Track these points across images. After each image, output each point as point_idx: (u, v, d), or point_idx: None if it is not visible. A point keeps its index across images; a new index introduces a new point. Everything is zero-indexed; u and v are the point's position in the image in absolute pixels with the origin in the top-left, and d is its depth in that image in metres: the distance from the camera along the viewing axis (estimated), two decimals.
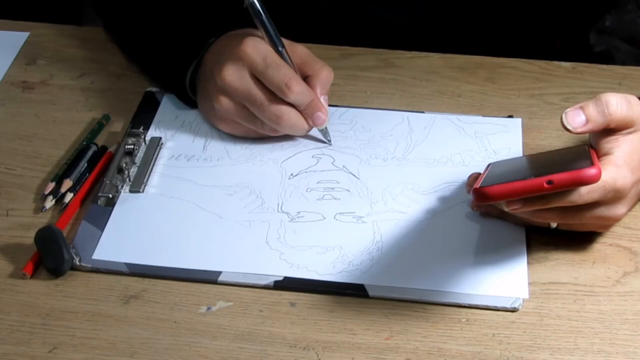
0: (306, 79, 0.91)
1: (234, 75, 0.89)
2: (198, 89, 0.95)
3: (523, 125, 0.96)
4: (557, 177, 0.72)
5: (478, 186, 0.75)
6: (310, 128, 0.93)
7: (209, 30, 0.96)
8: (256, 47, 0.89)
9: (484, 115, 0.97)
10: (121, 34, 1.05)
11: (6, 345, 0.76)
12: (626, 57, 1.14)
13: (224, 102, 0.91)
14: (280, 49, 0.89)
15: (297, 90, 0.88)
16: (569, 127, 0.77)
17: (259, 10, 0.88)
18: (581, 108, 0.78)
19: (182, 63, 0.94)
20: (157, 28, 0.99)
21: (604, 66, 1.04)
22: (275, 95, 0.89)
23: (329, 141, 0.93)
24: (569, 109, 0.78)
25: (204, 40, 0.95)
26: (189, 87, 0.95)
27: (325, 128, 0.93)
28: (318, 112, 0.91)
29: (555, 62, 1.04)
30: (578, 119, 0.77)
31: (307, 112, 0.91)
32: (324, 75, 0.92)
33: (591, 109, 0.77)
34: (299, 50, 0.92)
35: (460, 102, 1.00)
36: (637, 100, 0.79)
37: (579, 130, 0.77)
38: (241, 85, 0.89)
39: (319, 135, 0.94)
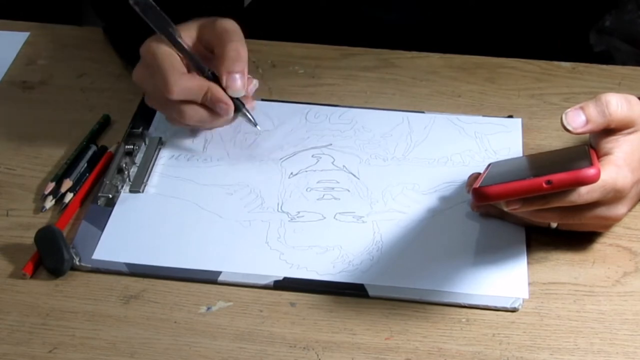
0: (216, 60, 0.88)
1: (137, 74, 0.90)
2: None
3: (523, 125, 0.96)
4: (556, 177, 0.72)
5: (477, 186, 0.75)
6: (226, 117, 0.89)
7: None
8: (147, 46, 0.88)
9: (484, 115, 0.97)
10: (120, 37, 1.05)
11: (6, 345, 0.76)
12: (626, 57, 1.14)
13: (147, 100, 0.92)
14: (176, 39, 0.87)
15: (176, 89, 0.86)
16: (569, 127, 0.77)
17: (140, 6, 0.87)
18: (581, 108, 0.78)
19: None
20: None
21: (604, 66, 1.04)
22: (187, 101, 0.88)
23: (256, 125, 0.91)
24: (569, 110, 0.78)
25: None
26: None
27: (246, 111, 0.90)
28: (218, 104, 0.87)
29: (555, 62, 1.04)
30: (578, 120, 0.77)
31: (208, 105, 0.88)
32: (230, 52, 0.87)
33: (591, 109, 0.77)
34: (215, 28, 0.89)
35: (460, 102, 1.00)
36: (637, 100, 0.79)
37: (579, 130, 0.77)
38: (143, 86, 0.90)
39: (247, 125, 0.92)
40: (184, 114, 0.88)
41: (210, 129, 0.94)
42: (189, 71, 0.88)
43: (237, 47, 0.87)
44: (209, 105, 0.88)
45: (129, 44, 1.02)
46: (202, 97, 0.87)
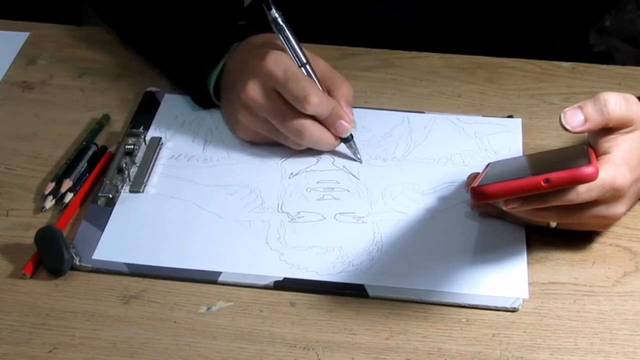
0: (329, 93, 0.91)
1: (256, 91, 0.89)
2: (222, 96, 0.95)
3: (523, 125, 0.96)
4: (554, 176, 0.72)
5: (476, 185, 0.75)
6: (337, 142, 0.91)
7: (230, 34, 0.96)
8: (277, 61, 0.88)
9: (484, 115, 0.97)
10: (133, 33, 1.05)
11: (6, 345, 0.76)
12: (626, 57, 1.14)
13: (247, 117, 0.91)
14: (304, 62, 0.89)
15: (316, 101, 0.87)
16: (567, 126, 0.77)
17: (282, 26, 0.89)
18: (580, 107, 0.78)
19: (204, 67, 0.94)
20: (175, 29, 0.99)
21: (604, 66, 1.04)
22: (297, 110, 0.88)
23: (359, 159, 0.92)
24: (567, 109, 0.78)
25: (226, 45, 0.95)
26: (212, 91, 0.95)
27: (354, 143, 0.91)
28: (340, 120, 0.89)
29: (555, 62, 1.04)
30: (577, 119, 0.77)
31: (329, 122, 0.89)
32: (345, 89, 0.91)
33: (590, 108, 0.77)
34: (319, 64, 0.91)
35: (460, 102, 1.00)
36: (636, 99, 0.79)
37: (578, 129, 0.77)
38: (263, 101, 0.89)
39: (348, 153, 0.92)
40: (304, 132, 0.88)
41: (313, 149, 0.92)
42: None
43: (350, 88, 0.92)
44: (329, 123, 0.89)
45: (146, 41, 1.03)
46: (328, 114, 0.89)
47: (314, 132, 0.89)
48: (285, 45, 0.89)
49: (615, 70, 1.04)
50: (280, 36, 0.89)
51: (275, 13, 0.89)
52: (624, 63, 1.10)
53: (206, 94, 0.96)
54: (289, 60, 0.88)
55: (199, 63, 0.95)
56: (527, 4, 1.11)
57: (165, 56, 1.00)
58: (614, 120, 0.78)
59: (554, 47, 1.14)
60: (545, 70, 1.04)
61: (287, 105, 0.88)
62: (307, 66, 0.89)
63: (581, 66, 1.04)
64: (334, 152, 0.93)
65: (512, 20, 1.12)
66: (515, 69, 1.04)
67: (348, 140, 0.91)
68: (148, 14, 1.02)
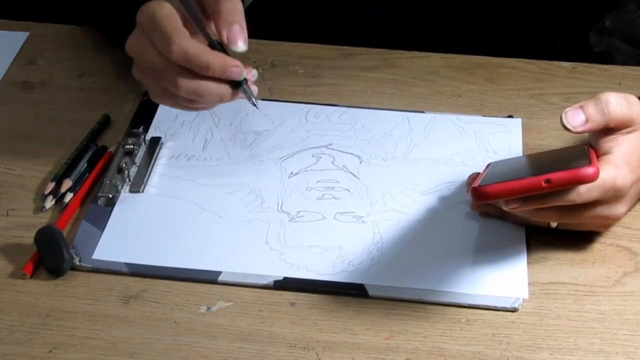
0: (212, 19, 0.82)
1: (132, 42, 0.82)
2: None
3: (523, 125, 0.96)
4: (555, 176, 0.72)
5: (476, 185, 0.75)
6: (234, 93, 0.82)
7: None
8: (146, 8, 0.81)
9: (484, 115, 0.97)
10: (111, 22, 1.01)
11: (6, 345, 0.76)
12: (626, 57, 1.14)
13: (137, 73, 0.84)
14: (188, 3, 0.81)
15: (177, 49, 0.77)
16: (568, 126, 0.77)
17: None
18: (581, 107, 0.78)
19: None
20: None
21: (604, 66, 1.04)
22: (168, 60, 0.79)
23: (255, 104, 0.83)
24: (568, 109, 0.78)
25: None
26: None
27: (247, 87, 0.82)
28: (230, 68, 0.79)
29: (555, 62, 1.04)
30: (578, 119, 0.77)
31: (217, 76, 0.79)
32: (226, 5, 0.81)
33: (591, 108, 0.77)
34: None
35: (460, 102, 1.00)
36: (637, 99, 0.79)
37: (579, 129, 0.77)
38: (139, 53, 0.82)
39: (246, 103, 0.84)
40: (177, 84, 0.79)
41: (204, 109, 0.86)
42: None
43: (236, 6, 0.81)
44: (217, 76, 0.79)
45: (115, 14, 0.97)
46: (204, 66, 0.79)
47: (189, 83, 0.79)
48: None
49: (615, 70, 1.04)
50: None
51: None
52: (624, 63, 1.10)
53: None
54: (159, 7, 0.80)
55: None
56: (527, 4, 1.11)
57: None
58: (615, 120, 0.78)
59: (554, 47, 1.14)
60: (545, 70, 1.04)
61: (161, 57, 0.80)
62: (193, 8, 0.81)
63: (581, 66, 1.04)
64: (331, 150, 0.93)
65: (512, 20, 1.12)
66: (515, 69, 1.04)
67: (238, 84, 0.81)
68: None
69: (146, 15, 0.81)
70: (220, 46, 0.81)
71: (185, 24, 0.81)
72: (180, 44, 0.78)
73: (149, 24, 0.80)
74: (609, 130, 0.79)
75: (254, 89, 0.84)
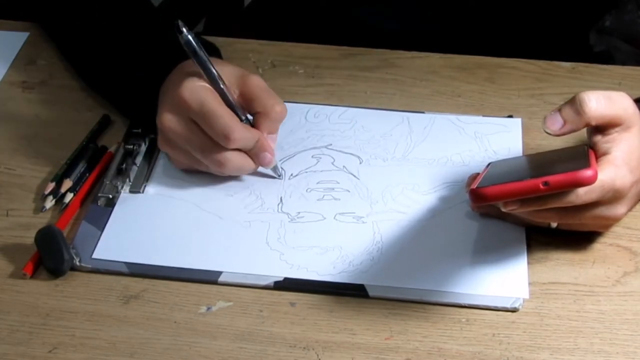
0: (255, 115, 0.87)
1: (172, 120, 0.85)
2: None
3: (523, 125, 0.96)
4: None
5: (475, 187, 0.75)
6: (258, 166, 0.88)
7: (172, 58, 0.90)
8: (193, 92, 0.83)
9: (484, 115, 0.97)
10: (77, 57, 1.02)
11: (6, 345, 0.76)
12: (626, 57, 1.14)
13: (166, 146, 0.88)
14: (221, 87, 0.84)
15: (237, 137, 0.83)
16: (548, 130, 0.78)
17: (194, 49, 0.83)
18: (558, 111, 0.78)
19: (152, 87, 0.90)
20: (117, 53, 0.95)
21: (604, 66, 1.04)
22: (216, 142, 0.84)
23: (279, 176, 0.90)
24: (548, 114, 0.78)
25: (166, 70, 0.89)
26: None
27: (276, 166, 0.89)
28: (264, 153, 0.87)
29: (555, 62, 1.04)
30: (556, 122, 0.78)
31: (252, 153, 0.87)
32: (274, 113, 0.87)
33: (567, 110, 0.78)
34: (251, 83, 0.87)
35: (460, 102, 1.00)
36: (624, 97, 0.79)
37: (559, 132, 0.78)
38: (180, 131, 0.85)
39: (269, 172, 0.90)
40: (225, 164, 0.85)
41: (232, 175, 0.90)
42: None
43: (282, 110, 0.88)
44: (252, 154, 0.87)
45: (89, 56, 0.98)
46: (252, 147, 0.86)
47: (235, 162, 0.86)
48: (201, 70, 0.84)
49: (615, 70, 1.04)
50: (193, 59, 0.84)
51: (187, 35, 0.82)
52: (624, 63, 1.10)
53: (148, 117, 0.90)
54: (205, 90, 0.84)
55: (141, 86, 0.91)
56: (527, 4, 1.11)
57: (111, 82, 0.96)
58: (594, 119, 0.77)
59: (554, 47, 1.14)
60: (545, 70, 1.04)
61: (206, 136, 0.84)
62: (225, 90, 0.85)
63: (581, 66, 1.04)
64: (330, 151, 0.93)
65: (512, 20, 1.12)
66: (515, 69, 1.04)
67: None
68: (93, 37, 0.97)
69: (195, 99, 0.83)
70: (248, 122, 0.87)
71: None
72: (239, 133, 0.84)
73: (199, 109, 0.83)
74: (602, 129, 0.79)
75: (276, 159, 0.89)
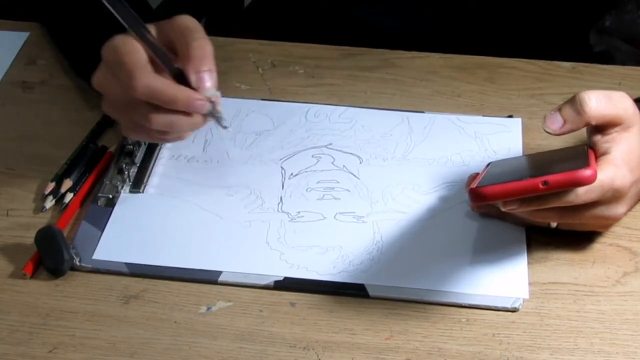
0: (183, 56, 0.80)
1: (99, 78, 0.82)
2: None
3: (523, 125, 0.96)
4: (552, 178, 0.72)
5: (474, 186, 0.75)
6: (200, 119, 0.81)
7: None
8: (110, 43, 0.79)
9: (484, 115, 0.97)
10: (75, 56, 1.01)
11: (6, 345, 0.76)
12: (626, 57, 1.14)
13: (106, 108, 0.83)
14: (146, 37, 0.79)
15: (140, 85, 0.77)
16: (549, 130, 0.78)
17: None
18: (558, 110, 0.78)
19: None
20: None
21: (604, 66, 1.04)
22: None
23: (225, 127, 0.82)
24: (548, 113, 0.78)
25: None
26: None
27: (215, 111, 0.81)
28: (195, 102, 0.79)
29: (555, 62, 1.04)
30: (556, 122, 0.78)
31: (182, 109, 0.79)
32: (196, 51, 0.79)
33: (567, 109, 0.78)
34: (175, 26, 0.81)
35: (460, 102, 1.00)
36: (624, 97, 0.79)
37: (559, 132, 0.78)
38: (106, 89, 0.81)
39: (214, 123, 0.83)
40: (148, 118, 0.79)
41: (178, 139, 0.85)
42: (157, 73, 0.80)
43: (202, 45, 0.80)
44: (181, 109, 0.79)
45: (82, 48, 0.97)
46: (169, 100, 0.78)
47: (158, 117, 0.79)
48: (118, 17, 0.79)
49: (615, 70, 1.04)
50: (110, 8, 0.79)
51: None
52: (624, 63, 1.10)
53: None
54: (123, 40, 0.79)
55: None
56: (527, 4, 1.11)
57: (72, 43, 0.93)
58: (594, 118, 0.77)
59: (554, 47, 1.14)
60: (545, 70, 1.04)
61: (126, 92, 0.79)
62: (148, 37, 0.79)
63: (581, 66, 1.04)
64: (331, 150, 0.93)
65: (512, 20, 1.12)
66: (515, 69, 1.04)
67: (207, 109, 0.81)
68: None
69: (110, 51, 0.80)
70: (182, 74, 0.80)
71: (152, 60, 0.80)
72: (142, 80, 0.77)
73: (113, 60, 0.79)
74: (601, 128, 0.79)
75: (222, 110, 0.82)
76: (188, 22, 0.81)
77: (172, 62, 0.81)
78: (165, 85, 0.78)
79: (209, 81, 0.80)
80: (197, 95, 0.79)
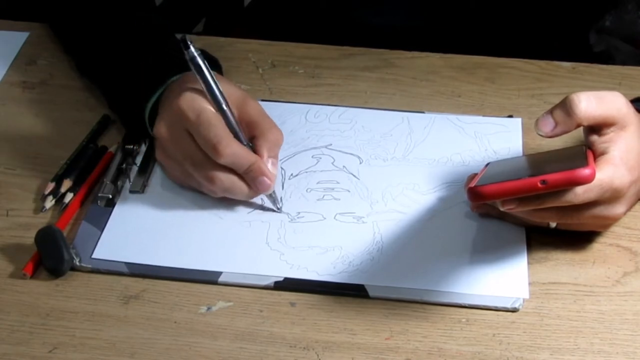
0: (253, 139, 0.85)
1: (167, 129, 0.85)
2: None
3: (523, 125, 0.96)
4: (551, 177, 0.72)
5: (473, 185, 0.75)
6: (256, 193, 0.85)
7: (170, 64, 0.90)
8: (192, 102, 0.83)
9: (484, 115, 0.97)
10: (82, 57, 1.01)
11: (6, 345, 0.76)
12: (626, 57, 1.14)
13: (162, 156, 0.87)
14: (223, 107, 0.83)
15: (228, 152, 0.81)
16: (541, 133, 0.78)
17: (199, 66, 0.82)
18: (550, 112, 0.78)
19: (140, 98, 0.90)
20: (121, 55, 0.94)
21: (604, 66, 1.04)
22: (209, 157, 0.83)
23: (279, 209, 0.86)
24: (540, 116, 0.78)
25: (163, 77, 0.89)
26: (148, 122, 0.90)
27: (274, 193, 0.86)
28: (261, 177, 0.83)
29: (555, 62, 1.05)
30: (548, 124, 0.78)
31: (248, 177, 0.84)
32: (272, 136, 0.85)
33: (557, 112, 0.78)
34: (250, 109, 0.86)
35: (460, 102, 1.00)
36: (616, 95, 0.79)
37: (551, 134, 0.78)
38: (174, 141, 0.85)
39: (268, 203, 0.87)
40: (214, 181, 0.83)
41: (215, 195, 0.87)
42: None
43: (279, 134, 0.86)
44: (248, 178, 0.84)
45: (88, 47, 0.98)
46: (246, 169, 0.83)
47: (225, 181, 0.83)
48: (203, 87, 0.83)
49: (615, 70, 1.04)
50: (198, 77, 0.83)
51: (193, 52, 0.82)
52: (624, 63, 1.10)
53: (142, 125, 0.91)
54: (204, 103, 0.83)
55: (136, 93, 0.90)
56: (527, 4, 1.11)
57: (109, 83, 0.96)
58: (585, 119, 0.77)
59: (554, 47, 1.14)
60: (545, 70, 1.04)
61: (200, 151, 0.83)
62: (227, 111, 0.83)
63: (581, 66, 1.04)
64: (331, 151, 0.93)
65: (512, 20, 1.12)
66: (515, 69, 1.04)
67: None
68: (107, 40, 0.97)
69: (192, 109, 0.83)
70: (250, 147, 0.85)
71: None
72: (231, 147, 0.82)
73: (195, 119, 0.82)
74: (597, 129, 0.79)
75: (278, 191, 0.87)
76: (261, 108, 0.86)
77: (243, 135, 0.85)
78: (247, 154, 0.83)
79: (273, 168, 0.85)
80: (269, 174, 0.84)
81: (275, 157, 0.86)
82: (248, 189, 0.85)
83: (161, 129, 0.85)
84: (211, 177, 0.83)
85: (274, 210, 0.86)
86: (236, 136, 0.84)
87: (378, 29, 1.12)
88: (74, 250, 0.82)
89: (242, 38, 1.09)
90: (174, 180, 0.89)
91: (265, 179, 0.84)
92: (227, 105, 0.84)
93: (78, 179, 0.90)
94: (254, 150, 0.85)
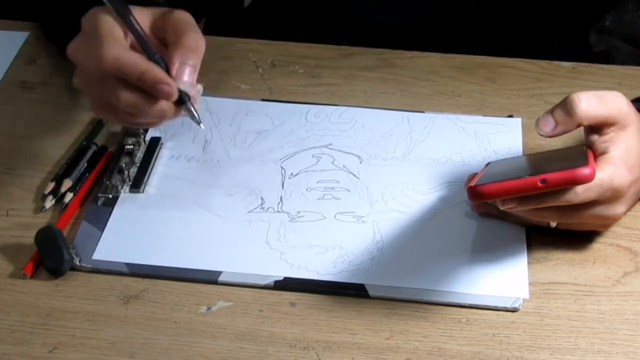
0: (169, 47, 0.78)
1: (74, 49, 0.78)
2: None
3: (523, 125, 0.96)
4: (551, 177, 0.72)
5: (473, 185, 0.75)
6: (169, 109, 0.78)
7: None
8: (91, 16, 0.77)
9: (484, 115, 0.97)
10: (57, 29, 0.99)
11: (6, 345, 0.76)
12: (626, 57, 1.13)
13: (77, 81, 0.80)
14: (127, 18, 0.77)
15: (109, 57, 0.74)
16: (541, 132, 0.79)
17: None
18: (550, 112, 0.78)
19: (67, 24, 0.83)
20: None
21: (604, 66, 1.04)
22: (125, 82, 0.75)
23: (198, 123, 0.79)
24: (541, 115, 0.78)
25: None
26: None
27: (190, 104, 0.78)
28: (160, 85, 0.75)
29: (555, 62, 1.05)
30: (548, 124, 0.78)
31: (147, 88, 0.75)
32: (188, 41, 0.77)
33: (558, 112, 0.78)
34: (173, 18, 0.79)
35: (460, 102, 1.00)
36: (616, 95, 0.79)
37: (551, 134, 0.79)
38: (80, 62, 0.78)
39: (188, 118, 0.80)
40: (116, 95, 0.75)
41: (148, 125, 0.83)
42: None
43: (197, 38, 0.78)
44: (147, 88, 0.75)
45: (67, 33, 0.96)
46: (137, 76, 0.75)
47: (129, 99, 0.76)
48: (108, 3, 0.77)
49: (615, 70, 1.04)
50: None
51: None
52: (624, 63, 1.10)
53: None
54: (105, 14, 0.77)
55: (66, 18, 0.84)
56: (527, 4, 1.11)
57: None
58: (585, 119, 0.78)
59: (554, 47, 1.14)
60: (545, 70, 1.04)
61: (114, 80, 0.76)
62: (132, 21, 0.77)
63: (581, 66, 1.04)
64: (331, 150, 0.93)
65: (512, 20, 1.12)
66: (515, 69, 1.04)
67: (183, 102, 0.78)
68: None
69: (89, 21, 0.78)
70: (164, 65, 0.78)
71: (133, 45, 0.78)
72: (112, 50, 0.75)
73: (90, 30, 0.77)
74: (597, 129, 0.79)
75: (200, 87, 0.80)
76: (185, 16, 0.80)
77: (152, 48, 0.78)
78: (134, 59, 0.75)
79: (188, 75, 0.77)
80: (167, 79, 0.75)
81: (192, 65, 0.77)
82: (155, 102, 0.76)
83: (70, 48, 0.79)
84: (111, 93, 0.76)
85: (273, 209, 0.86)
86: (143, 47, 0.77)
87: (378, 28, 1.12)
88: (74, 250, 0.82)
89: (242, 38, 1.09)
90: (98, 115, 0.84)
91: (164, 85, 0.75)
92: (131, 14, 0.77)
93: (78, 179, 0.90)
94: (168, 57, 0.78)
